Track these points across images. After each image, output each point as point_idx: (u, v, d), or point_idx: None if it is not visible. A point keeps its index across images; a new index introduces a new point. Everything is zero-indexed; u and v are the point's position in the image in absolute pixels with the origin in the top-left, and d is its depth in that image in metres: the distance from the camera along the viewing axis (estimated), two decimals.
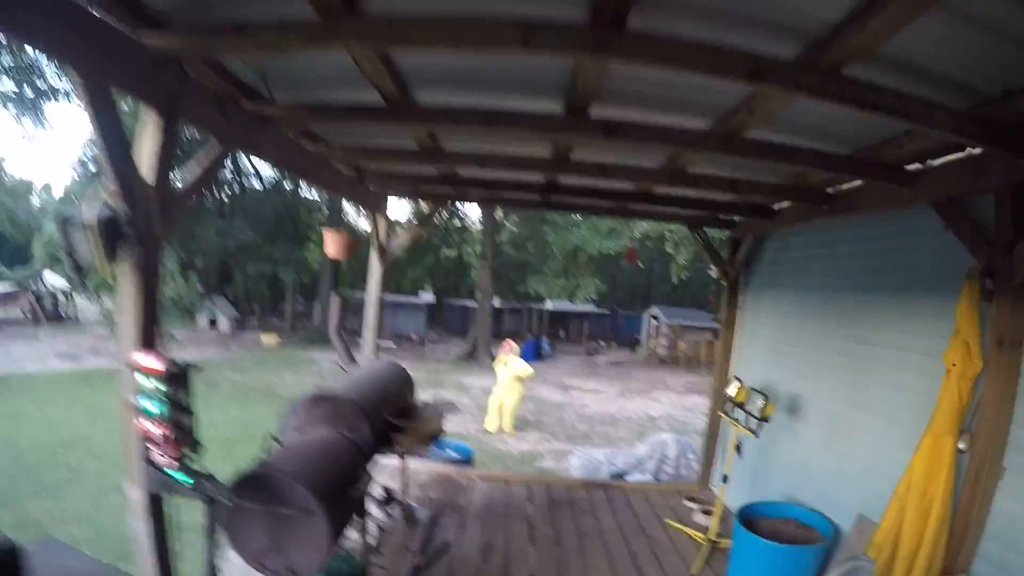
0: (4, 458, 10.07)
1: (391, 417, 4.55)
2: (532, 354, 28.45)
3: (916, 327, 4.38)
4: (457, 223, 48.71)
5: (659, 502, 7.24)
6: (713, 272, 19.60)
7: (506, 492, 7.29)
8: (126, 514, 3.32)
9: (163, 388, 2.67)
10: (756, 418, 5.53)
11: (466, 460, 8.94)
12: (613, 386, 21.81)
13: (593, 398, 19.34)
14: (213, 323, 29.54)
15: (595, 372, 25.48)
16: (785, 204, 5.96)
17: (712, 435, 7.66)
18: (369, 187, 6.28)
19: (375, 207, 6.74)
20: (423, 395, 16.27)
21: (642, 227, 19.22)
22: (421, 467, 7.54)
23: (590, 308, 36.58)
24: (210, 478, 2.91)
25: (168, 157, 2.89)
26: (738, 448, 5.95)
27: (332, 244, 6.05)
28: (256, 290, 32.87)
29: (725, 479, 5.99)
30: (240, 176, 35.13)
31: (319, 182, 5.20)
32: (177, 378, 2.72)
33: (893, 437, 4.42)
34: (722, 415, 6.32)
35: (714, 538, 5.92)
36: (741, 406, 5.92)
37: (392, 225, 7.25)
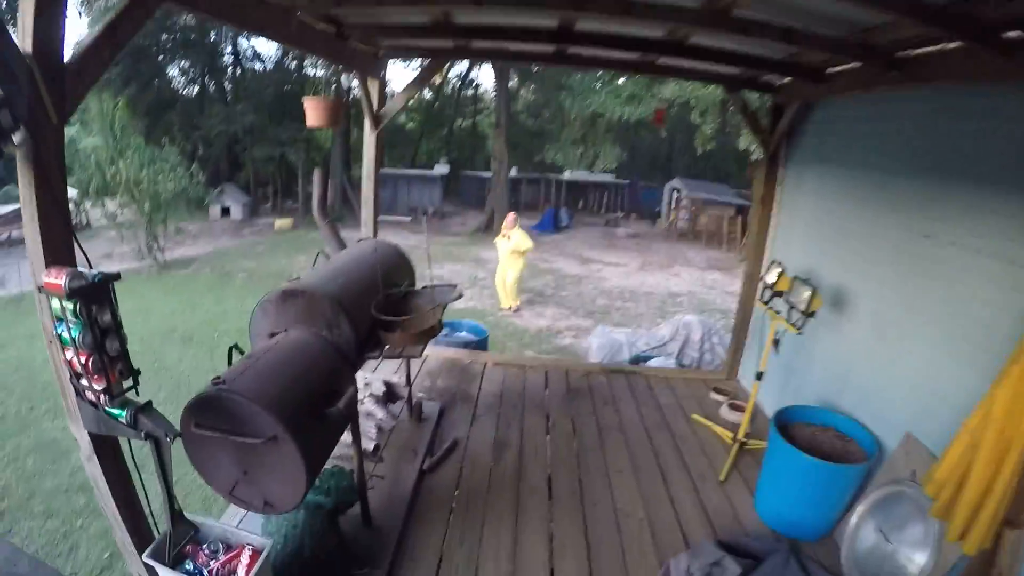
0: (20, 378, 9.97)
1: (378, 312, 3.90)
2: (550, 224, 27.83)
3: (996, 227, 3.59)
4: (470, 92, 47.24)
5: (684, 392, 6.77)
6: (743, 143, 18.71)
7: (521, 379, 6.84)
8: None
9: (71, 308, 2.06)
10: (800, 312, 4.92)
11: (481, 342, 8.47)
12: (633, 259, 21.22)
13: (613, 271, 18.82)
14: (226, 211, 28.92)
15: (614, 244, 24.84)
16: (842, 67, 5.11)
17: (743, 323, 7.08)
18: (352, 44, 5.43)
19: (362, 68, 5.85)
20: (437, 271, 15.61)
21: (664, 93, 17.97)
22: (430, 352, 7.07)
23: (609, 179, 35.46)
24: (147, 410, 2.34)
25: (54, 16, 2.12)
26: (776, 343, 5.38)
27: (312, 112, 5.26)
28: (267, 174, 32.09)
29: (760, 376, 5.43)
30: (239, 59, 33.79)
31: (286, 39, 4.30)
32: (91, 294, 2.12)
33: (956, 352, 3.77)
34: (759, 304, 5.70)
35: (743, 439, 5.46)
36: (781, 295, 5.31)
37: (384, 87, 6.39)
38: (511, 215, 13.48)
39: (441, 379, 6.66)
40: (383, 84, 6.36)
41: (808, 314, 4.90)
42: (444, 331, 8.34)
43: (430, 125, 45.85)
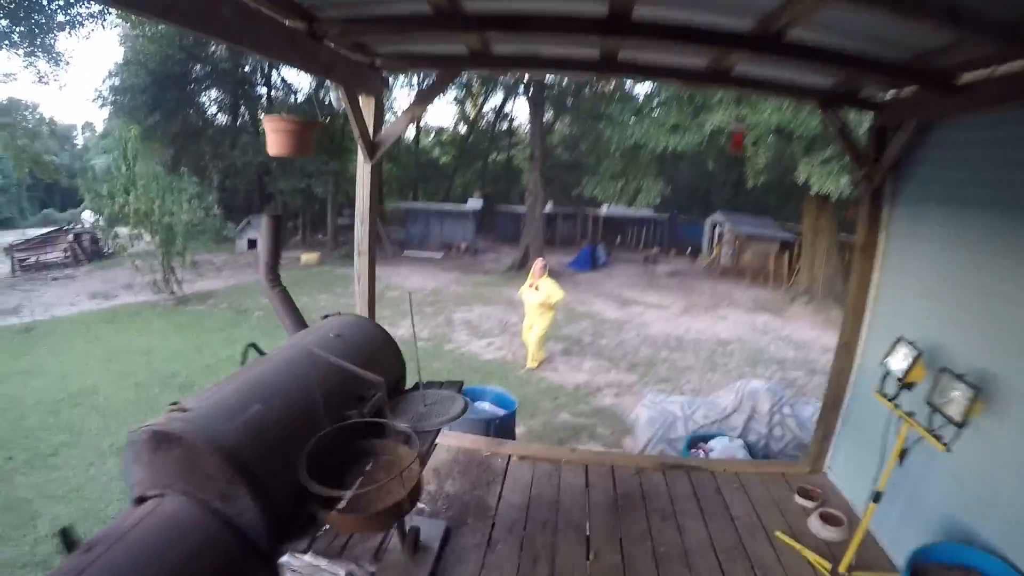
0: (5, 422, 9.19)
1: (312, 469, 2.34)
2: (587, 262, 26.33)
3: None
4: (505, 126, 46.20)
5: (760, 494, 5.19)
6: (803, 174, 17.06)
7: (555, 479, 5.28)
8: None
9: None
10: (951, 420, 3.39)
11: (508, 418, 6.95)
12: (675, 300, 19.60)
13: (655, 315, 17.21)
14: (253, 244, 27.97)
15: (654, 283, 23.23)
16: (984, 72, 3.63)
17: (833, 404, 5.50)
18: (332, 48, 4.06)
19: (349, 80, 4.43)
20: (465, 315, 14.16)
21: (715, 119, 16.39)
22: (440, 440, 5.61)
23: (648, 213, 33.93)
24: None
25: None
26: (902, 456, 3.84)
27: (272, 135, 3.87)
28: (295, 206, 31.29)
29: (878, 498, 3.89)
30: (271, 90, 33.14)
31: (237, 40, 2.90)
32: None
33: None
34: (877, 396, 4.16)
35: (845, 573, 3.94)
36: (911, 387, 3.80)
37: (382, 108, 4.98)
38: (539, 263, 11.96)
39: (451, 481, 5.15)
40: (380, 104, 4.97)
41: (961, 424, 3.37)
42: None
43: (464, 159, 44.87)
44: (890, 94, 4.82)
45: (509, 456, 5.54)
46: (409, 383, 4.25)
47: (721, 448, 6.55)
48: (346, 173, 32.91)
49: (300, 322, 3.72)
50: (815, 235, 20.68)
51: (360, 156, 4.92)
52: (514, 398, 7.39)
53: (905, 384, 3.89)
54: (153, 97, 27.09)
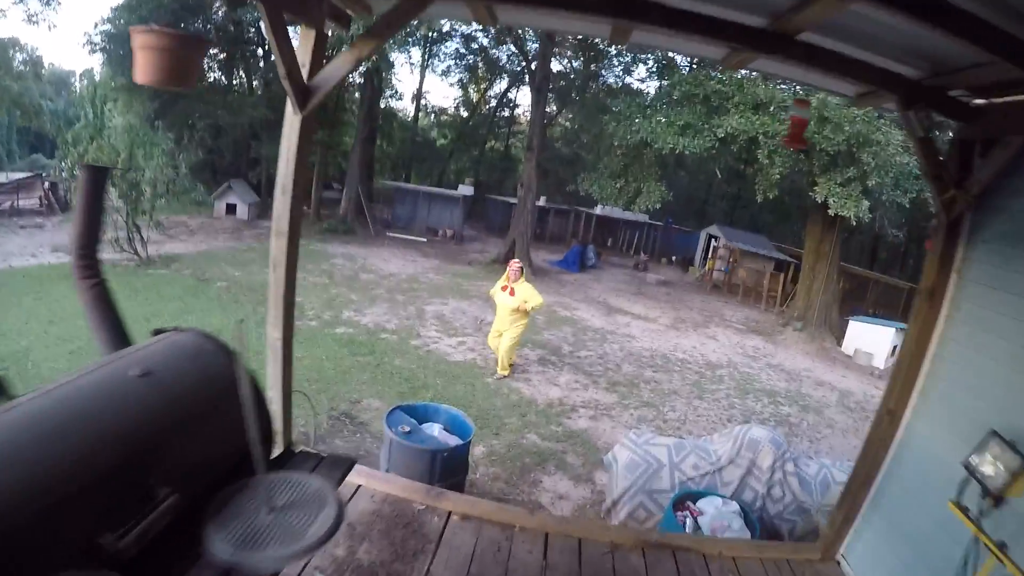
0: None
1: None
2: (575, 263, 25.17)
3: None
4: (506, 113, 44.89)
5: None
6: (821, 193, 15.87)
7: (503, 550, 4.07)
8: None
9: None
10: None
11: (457, 451, 5.72)
12: (664, 313, 18.45)
13: (641, 328, 16.05)
14: (232, 209, 26.59)
15: (643, 292, 22.07)
16: None
17: (862, 482, 4.36)
18: None
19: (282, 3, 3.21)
20: (438, 308, 12.83)
21: (731, 123, 15.14)
22: (362, 481, 4.41)
23: (641, 217, 32.80)
24: None
25: None
26: None
27: (141, 54, 2.63)
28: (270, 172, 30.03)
29: None
30: (267, 50, 31.41)
31: None
32: None
33: None
34: (953, 508, 3.01)
35: None
36: (1001, 502, 2.68)
37: (324, 43, 3.69)
38: (515, 264, 10.64)
39: (368, 544, 3.89)
40: (322, 41, 3.73)
41: None
42: (404, 427, 5.70)
43: (462, 143, 43.58)
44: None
45: (449, 514, 4.26)
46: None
47: (713, 512, 5.37)
48: (338, 146, 31.65)
49: (118, 337, 2.43)
50: (816, 259, 19.57)
51: (288, 105, 3.66)
52: (471, 423, 6.16)
53: (996, 499, 2.75)
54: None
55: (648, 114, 17.09)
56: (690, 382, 11.95)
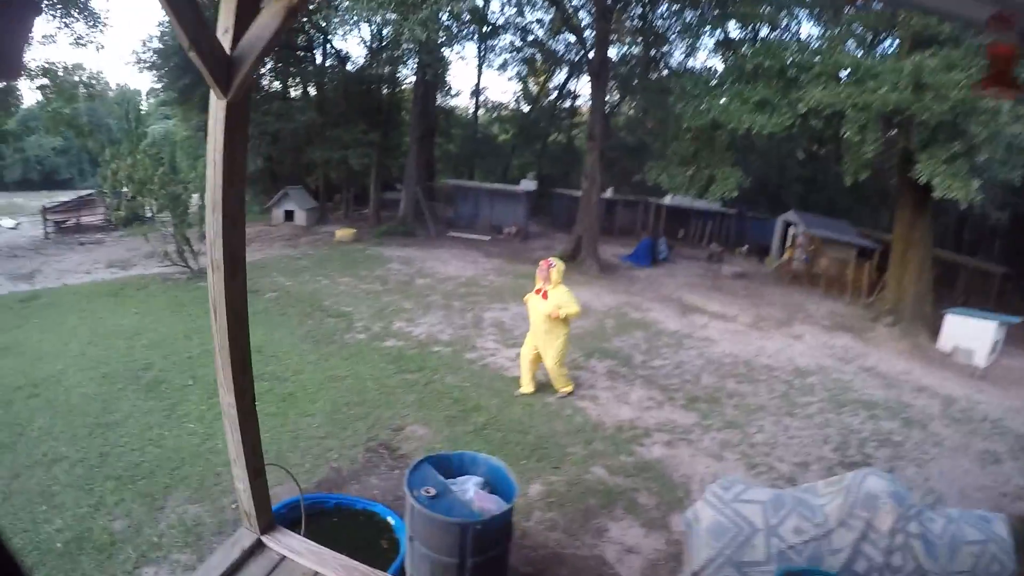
0: None
1: None
2: (646, 256, 23.74)
3: None
4: (567, 104, 43.32)
5: None
6: (925, 172, 14.02)
7: None
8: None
9: None
10: None
11: (495, 522, 4.52)
12: (743, 310, 16.90)
13: (720, 328, 14.58)
14: (290, 215, 26.16)
15: (720, 287, 20.48)
16: None
17: None
18: None
19: None
20: (497, 315, 11.61)
21: (811, 98, 13.41)
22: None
23: (713, 206, 31.01)
24: None
25: None
26: None
27: None
28: (339, 178, 29.55)
29: None
30: (326, 57, 30.96)
31: None
32: None
33: None
34: None
35: None
36: None
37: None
38: (546, 264, 8.98)
39: None
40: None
41: None
42: (429, 490, 4.60)
43: (523, 138, 42.43)
44: None
45: None
46: None
47: None
48: (395, 147, 30.96)
49: None
50: (907, 247, 17.68)
51: (212, 97, 2.58)
52: (514, 481, 4.95)
53: None
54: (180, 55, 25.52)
55: (717, 92, 15.42)
56: (778, 394, 10.52)
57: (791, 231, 26.83)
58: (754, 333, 14.51)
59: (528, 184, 30.61)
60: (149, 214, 16.73)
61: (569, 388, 9.44)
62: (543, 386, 9.63)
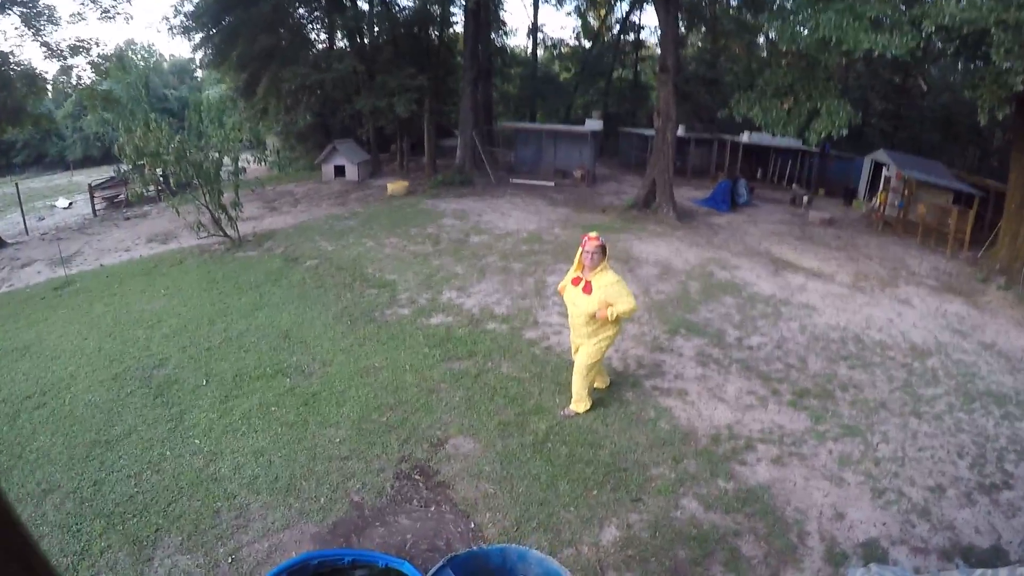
0: None
1: None
2: (725, 200, 21.47)
3: None
4: (631, 38, 40.27)
5: None
6: None
7: None
8: None
9: None
10: None
11: None
12: (840, 266, 14.69)
13: (819, 290, 12.47)
14: (340, 171, 24.63)
15: (809, 236, 18.18)
16: None
17: None
18: None
19: None
20: (557, 278, 8.51)
21: (943, 13, 10.82)
22: None
23: (794, 143, 28.16)
24: None
25: None
26: None
27: None
28: (390, 129, 27.87)
29: None
30: (372, 6, 28.61)
31: None
32: None
33: None
34: None
35: None
36: None
37: None
38: (590, 242, 6.38)
39: None
40: None
41: None
42: None
43: (586, 75, 39.91)
44: None
45: None
46: None
47: None
48: (450, 92, 29.00)
49: None
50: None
51: None
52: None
53: None
54: (215, 17, 24.37)
55: (823, 8, 12.63)
56: (898, 384, 8.57)
57: (884, 173, 24.02)
58: (858, 297, 12.41)
59: (594, 124, 28.29)
60: (171, 186, 15.48)
61: (583, 408, 7.07)
62: (621, 377, 7.98)
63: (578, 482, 5.88)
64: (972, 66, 13.34)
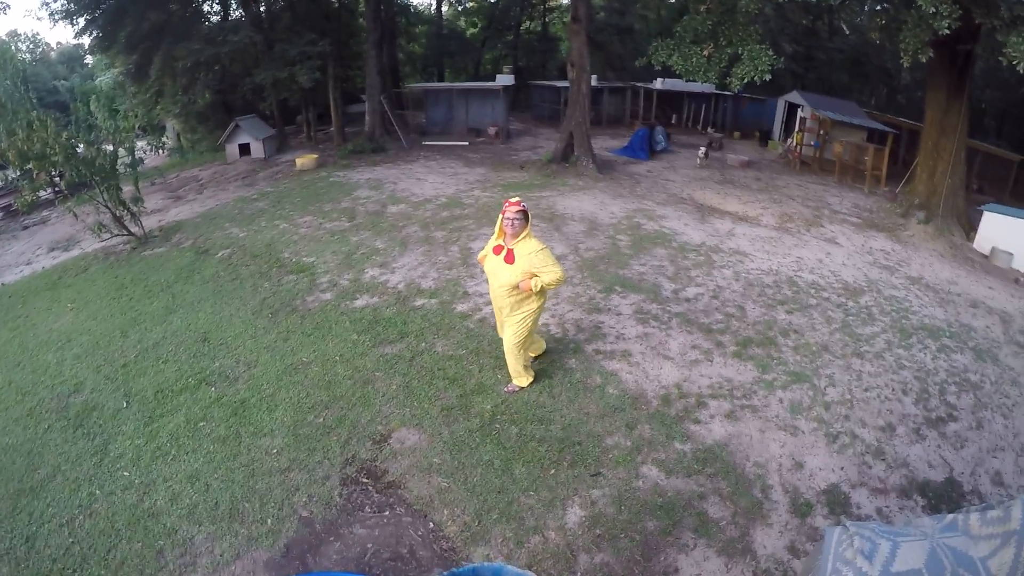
0: None
1: None
2: (643, 148, 21.42)
3: None
4: None
5: None
6: (1008, 56, 11.16)
7: None
8: None
9: None
10: None
11: None
12: (765, 208, 14.82)
13: (748, 235, 12.50)
14: (246, 149, 23.38)
15: (731, 179, 18.31)
16: None
17: None
18: None
19: None
20: (477, 244, 8.15)
21: None
22: None
23: (708, 88, 28.37)
24: None
25: None
26: None
27: None
28: (294, 100, 26.82)
29: None
30: None
31: None
32: None
33: None
34: None
35: None
36: None
37: None
38: (511, 208, 5.88)
39: None
40: None
41: None
42: None
43: (493, 30, 39.18)
44: None
45: None
46: None
47: None
48: (354, 56, 27.95)
49: None
50: (939, 135, 15.52)
51: None
52: None
53: None
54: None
55: None
56: (836, 325, 8.59)
57: (799, 114, 24.41)
58: (786, 239, 12.50)
59: (505, 79, 27.77)
60: (63, 188, 14.23)
61: (525, 382, 6.72)
62: (561, 344, 7.70)
63: (533, 463, 5.58)
64: (886, 9, 13.39)
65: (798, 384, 7.02)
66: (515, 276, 5.96)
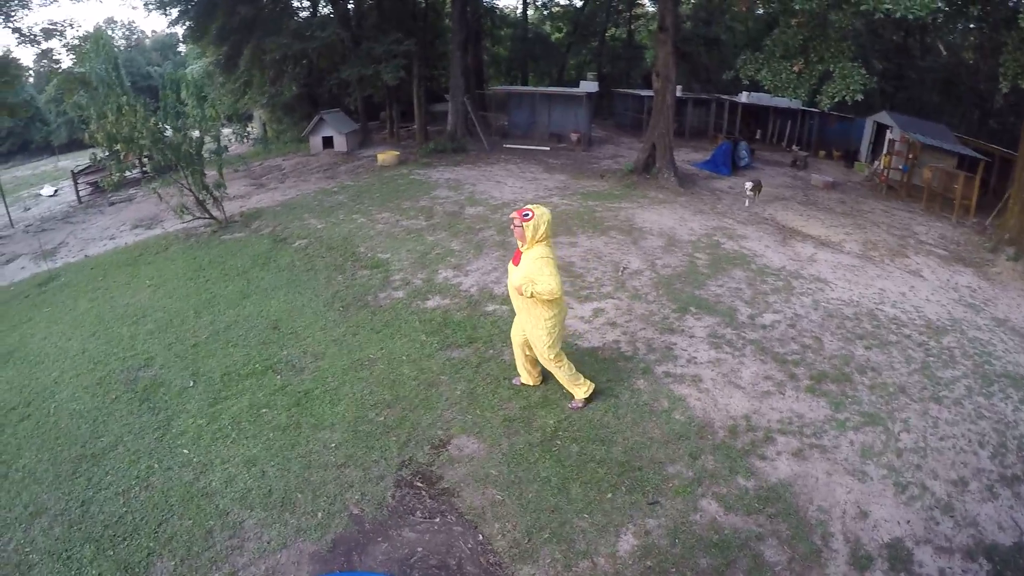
0: None
1: None
2: (726, 164, 21.00)
3: None
4: None
5: None
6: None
7: None
8: None
9: None
10: None
11: None
12: (848, 234, 14.34)
13: (830, 262, 12.13)
14: (329, 142, 23.98)
15: (814, 201, 17.82)
16: None
17: None
18: None
19: None
20: (573, 251, 8.05)
21: None
22: None
23: (794, 104, 27.56)
24: None
25: None
26: None
27: None
28: (380, 97, 27.45)
29: None
30: None
31: None
32: None
33: None
34: None
35: None
36: None
37: None
38: (519, 215, 6.02)
39: None
40: None
41: None
42: None
43: (579, 35, 39.09)
44: None
45: None
46: None
47: None
48: (440, 56, 28.32)
49: None
50: None
51: None
52: None
53: None
54: None
55: None
56: (915, 366, 8.26)
57: (888, 136, 23.53)
58: (869, 268, 12.10)
59: (589, 85, 27.61)
60: (149, 170, 14.93)
61: (583, 392, 6.72)
62: (631, 362, 7.66)
63: (591, 484, 5.60)
64: (982, 28, 12.78)
65: (871, 426, 6.81)
66: (517, 279, 6.11)
